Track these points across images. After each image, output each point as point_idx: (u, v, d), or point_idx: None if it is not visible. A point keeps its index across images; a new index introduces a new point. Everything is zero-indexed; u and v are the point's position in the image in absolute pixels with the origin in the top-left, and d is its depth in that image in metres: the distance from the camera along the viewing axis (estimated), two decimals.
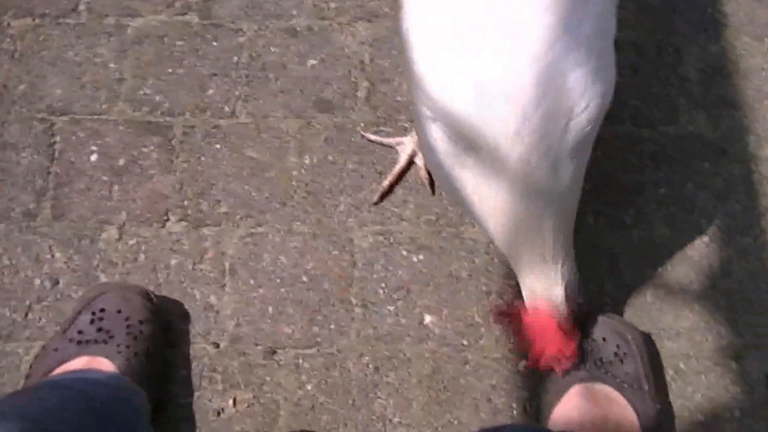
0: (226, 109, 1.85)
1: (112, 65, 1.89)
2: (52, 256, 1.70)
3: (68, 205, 1.74)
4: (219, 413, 1.58)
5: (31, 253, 1.70)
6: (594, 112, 1.26)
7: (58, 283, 1.68)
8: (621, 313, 1.67)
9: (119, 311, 1.54)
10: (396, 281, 1.69)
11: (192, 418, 1.58)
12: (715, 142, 1.84)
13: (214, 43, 1.92)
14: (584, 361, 1.53)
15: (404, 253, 1.72)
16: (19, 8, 1.95)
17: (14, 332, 1.63)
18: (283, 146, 1.81)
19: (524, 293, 1.47)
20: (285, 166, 1.79)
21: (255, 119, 1.84)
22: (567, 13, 1.22)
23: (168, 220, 1.74)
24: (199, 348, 1.63)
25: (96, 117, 1.83)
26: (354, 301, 1.68)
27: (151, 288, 1.65)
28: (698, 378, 1.64)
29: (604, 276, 1.71)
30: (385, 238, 1.73)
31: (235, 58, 1.90)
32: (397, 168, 1.77)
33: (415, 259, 1.71)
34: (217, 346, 1.63)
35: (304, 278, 1.69)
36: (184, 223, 1.73)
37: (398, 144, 1.79)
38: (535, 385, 1.61)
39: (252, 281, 1.69)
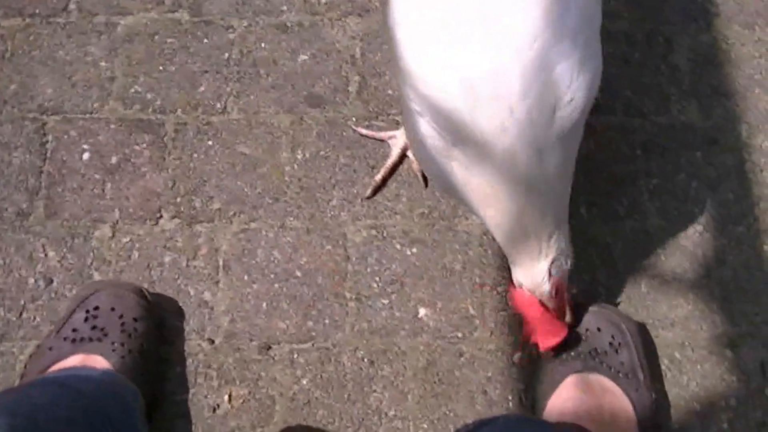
0: (218, 105, 1.84)
1: (102, 64, 1.89)
2: (46, 255, 1.70)
3: (61, 204, 1.74)
4: (214, 409, 1.58)
5: (24, 253, 1.69)
6: (580, 102, 1.27)
7: (52, 282, 1.67)
8: (615, 304, 1.68)
9: (113, 309, 1.54)
10: (390, 275, 1.69)
11: (187, 414, 1.58)
12: (707, 132, 1.85)
13: (205, 40, 1.92)
14: (577, 350, 1.53)
15: (398, 246, 1.72)
16: (8, 8, 1.95)
17: (9, 332, 1.63)
18: (275, 142, 1.81)
19: (513, 277, 1.47)
20: (277, 161, 1.79)
21: (246, 115, 1.83)
22: (551, 5, 1.22)
23: (161, 217, 1.74)
24: (193, 344, 1.63)
25: (87, 116, 1.83)
26: (348, 295, 1.68)
27: (145, 285, 1.65)
28: (693, 367, 1.64)
29: (597, 267, 1.71)
30: (378, 232, 1.73)
31: (226, 55, 1.90)
32: (390, 162, 1.77)
33: (408, 253, 1.71)
34: (212, 342, 1.63)
35: (298, 273, 1.69)
36: (177, 220, 1.73)
37: (390, 138, 1.79)
38: (530, 377, 1.61)
39: (246, 277, 1.69)
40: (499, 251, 1.69)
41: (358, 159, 1.80)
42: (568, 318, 1.51)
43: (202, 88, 1.86)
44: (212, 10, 1.95)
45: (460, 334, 1.65)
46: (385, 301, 1.67)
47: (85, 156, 1.79)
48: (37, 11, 1.94)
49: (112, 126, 1.82)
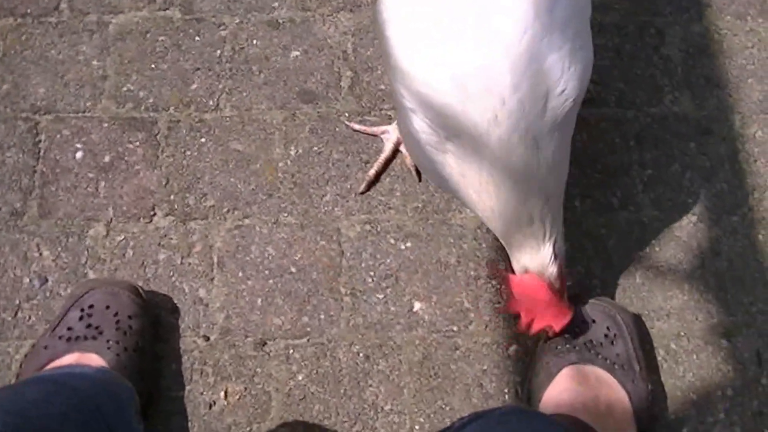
0: (210, 102, 1.84)
1: (95, 62, 1.89)
2: (40, 254, 1.69)
3: (55, 203, 1.74)
4: (210, 406, 1.59)
5: (19, 252, 1.69)
6: (573, 92, 1.27)
7: (46, 281, 1.67)
8: (610, 295, 1.68)
9: (108, 307, 1.54)
10: (384, 269, 1.69)
11: (183, 411, 1.58)
12: (701, 122, 1.85)
13: (197, 38, 1.92)
14: (573, 342, 1.53)
15: (392, 241, 1.72)
16: (0, 8, 1.94)
17: (4, 331, 1.63)
18: (268, 138, 1.81)
19: (513, 262, 1.47)
20: (270, 157, 1.79)
21: (239, 112, 1.83)
22: None
23: (155, 215, 1.74)
24: (189, 341, 1.63)
25: (80, 115, 1.83)
26: (343, 290, 1.68)
27: (140, 283, 1.65)
28: (689, 357, 1.64)
29: (592, 258, 1.71)
30: (372, 227, 1.73)
31: (218, 52, 1.90)
32: (383, 157, 1.77)
33: (402, 247, 1.71)
34: (207, 339, 1.63)
35: (293, 269, 1.69)
36: (171, 218, 1.73)
37: (383, 133, 1.79)
38: (526, 369, 1.61)
39: (240, 273, 1.69)
40: (494, 244, 1.69)
41: (351, 154, 1.80)
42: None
43: (194, 86, 1.86)
44: (203, 8, 1.95)
45: (455, 328, 1.65)
46: (380, 296, 1.67)
47: (78, 155, 1.78)
48: (28, 11, 1.94)
49: (105, 124, 1.82)
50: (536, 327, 1.48)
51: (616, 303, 1.63)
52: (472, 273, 1.69)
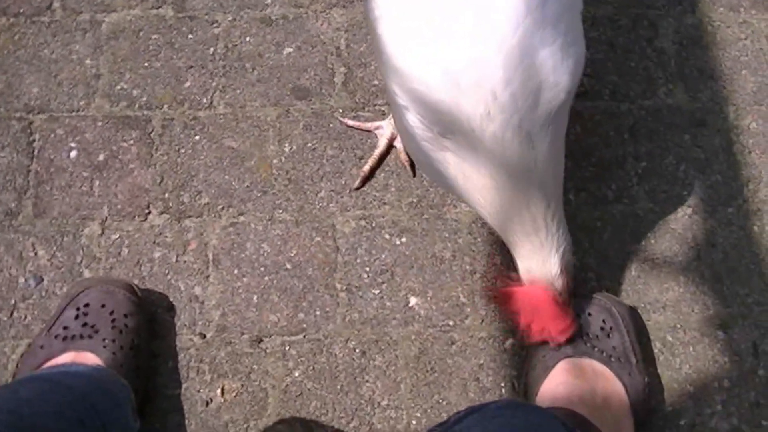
0: (204, 100, 1.84)
1: (88, 61, 1.89)
2: (35, 253, 1.70)
3: (49, 203, 1.74)
4: (207, 403, 1.59)
5: (14, 252, 1.70)
6: (565, 86, 1.28)
7: (42, 280, 1.67)
8: (606, 288, 1.68)
9: (103, 306, 1.54)
10: (380, 265, 1.69)
11: (180, 409, 1.58)
12: (695, 114, 1.85)
13: (190, 36, 1.92)
14: (578, 336, 1.53)
15: (387, 236, 1.72)
16: None
17: (0, 331, 1.63)
18: (262, 135, 1.81)
19: (520, 269, 1.47)
20: (265, 154, 1.79)
21: (233, 109, 1.83)
22: None
23: (150, 213, 1.74)
24: (185, 339, 1.64)
25: (74, 114, 1.83)
26: (338, 286, 1.68)
27: (136, 281, 1.66)
28: (686, 349, 1.65)
29: (587, 251, 1.71)
30: (367, 223, 1.73)
31: (211, 50, 1.90)
32: (377, 152, 1.77)
33: (398, 242, 1.71)
34: (204, 336, 1.63)
35: (288, 266, 1.69)
36: (166, 216, 1.73)
37: (377, 128, 1.79)
38: (522, 363, 1.61)
39: (236, 271, 1.69)
40: (488, 239, 1.70)
41: (346, 150, 1.80)
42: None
43: (188, 84, 1.86)
44: (196, 6, 1.95)
45: (451, 322, 1.65)
46: (376, 291, 1.67)
47: (73, 154, 1.78)
48: (21, 10, 1.94)
49: (99, 123, 1.82)
50: (535, 337, 1.48)
51: (612, 296, 1.62)
52: (467, 267, 1.69)
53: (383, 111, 1.83)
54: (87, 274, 1.68)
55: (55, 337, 1.51)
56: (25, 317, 1.64)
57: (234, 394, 1.59)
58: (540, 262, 1.42)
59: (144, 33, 1.92)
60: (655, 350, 1.64)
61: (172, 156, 1.79)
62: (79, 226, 1.72)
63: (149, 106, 1.83)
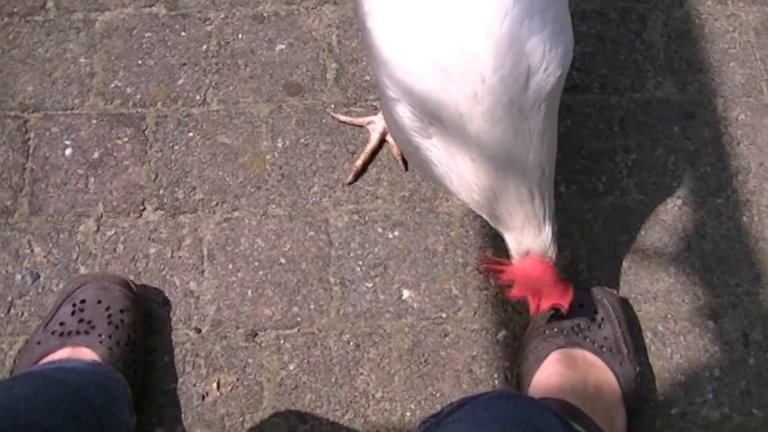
0: (197, 97, 1.85)
1: (82, 60, 1.89)
2: (32, 251, 1.70)
3: (45, 200, 1.75)
4: (203, 397, 1.60)
5: (10, 249, 1.70)
6: (554, 73, 1.29)
7: (38, 277, 1.68)
8: (597, 280, 1.69)
9: (99, 302, 1.55)
10: (373, 258, 1.71)
11: (177, 403, 1.59)
12: (684, 106, 1.86)
13: (183, 33, 1.93)
14: (560, 326, 1.54)
15: (380, 230, 1.73)
16: None
17: None
18: (255, 131, 1.82)
19: (512, 245, 1.46)
20: (258, 150, 1.80)
21: (226, 106, 1.85)
22: None
23: (144, 209, 1.75)
24: (180, 334, 1.65)
25: (69, 112, 1.84)
26: (332, 280, 1.69)
27: (131, 277, 1.67)
28: (677, 339, 1.66)
29: (578, 243, 1.73)
30: (360, 217, 1.74)
31: (204, 47, 1.91)
32: (369, 147, 1.78)
33: (390, 236, 1.72)
34: (199, 331, 1.64)
35: (282, 260, 1.70)
36: (160, 212, 1.74)
37: (369, 123, 1.80)
38: (515, 354, 1.63)
39: (230, 266, 1.70)
40: (480, 232, 1.71)
41: (338, 145, 1.81)
42: None
43: (181, 81, 1.87)
44: (189, 3, 1.96)
45: (444, 315, 1.67)
46: (369, 285, 1.68)
47: (68, 152, 1.79)
48: (15, 10, 1.95)
49: (94, 121, 1.83)
50: (545, 307, 1.47)
51: (603, 287, 1.64)
52: (459, 260, 1.71)
53: (375, 106, 1.84)
54: (83, 270, 1.69)
55: (52, 333, 1.52)
56: (22, 314, 1.65)
57: (230, 387, 1.60)
58: (535, 231, 1.42)
59: (137, 31, 1.93)
60: (646, 340, 1.65)
61: (166, 153, 1.80)
62: (74, 223, 1.73)
63: (143, 104, 1.84)
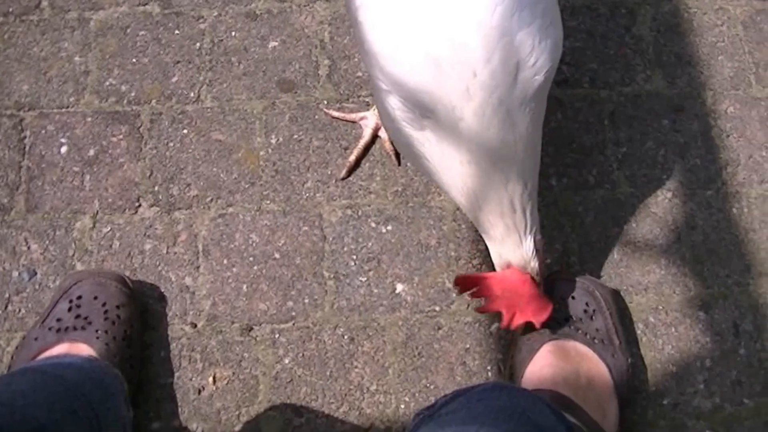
0: (191, 94, 1.87)
1: (77, 58, 1.91)
2: (28, 247, 1.72)
3: (41, 198, 1.76)
4: (199, 391, 1.61)
5: (7, 246, 1.72)
6: (543, 66, 1.30)
7: (35, 274, 1.69)
8: (588, 272, 1.70)
9: (96, 298, 1.56)
10: (366, 252, 1.72)
11: (173, 397, 1.60)
12: (673, 100, 1.87)
13: (176, 31, 1.94)
14: (552, 318, 1.54)
15: (373, 224, 1.74)
16: None
17: None
18: (248, 128, 1.83)
19: (493, 256, 1.48)
20: (252, 146, 1.81)
21: (220, 103, 1.86)
22: None
23: (140, 206, 1.76)
24: (176, 329, 1.66)
25: (64, 110, 1.85)
26: (326, 274, 1.70)
27: (127, 273, 1.68)
28: (668, 330, 1.67)
29: (569, 236, 1.74)
30: (353, 212, 1.75)
31: (198, 45, 1.92)
32: (362, 142, 1.79)
33: (384, 230, 1.74)
34: (195, 326, 1.66)
35: (276, 255, 1.72)
36: (155, 208, 1.75)
37: (361, 119, 1.81)
38: (508, 346, 1.64)
39: (225, 261, 1.71)
40: (472, 225, 1.70)
41: (331, 141, 1.82)
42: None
43: (175, 78, 1.88)
44: (182, 2, 1.97)
45: (437, 308, 1.68)
46: (363, 279, 1.70)
47: (63, 149, 1.81)
48: (10, 10, 1.96)
49: (89, 119, 1.84)
50: (517, 322, 1.48)
51: (595, 279, 1.64)
52: (452, 254, 1.72)
53: (367, 102, 1.85)
54: (79, 266, 1.70)
55: (49, 329, 1.53)
56: (19, 310, 1.66)
57: (225, 381, 1.62)
58: (514, 244, 1.43)
59: (131, 29, 1.94)
60: (638, 331, 1.67)
61: (160, 150, 1.81)
62: (70, 220, 1.74)
63: (138, 101, 1.85)
